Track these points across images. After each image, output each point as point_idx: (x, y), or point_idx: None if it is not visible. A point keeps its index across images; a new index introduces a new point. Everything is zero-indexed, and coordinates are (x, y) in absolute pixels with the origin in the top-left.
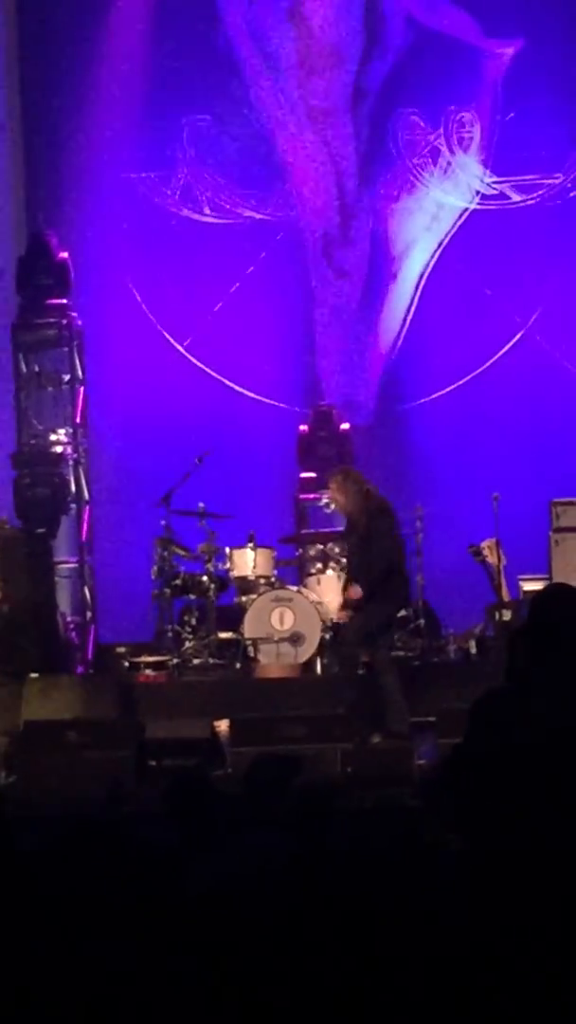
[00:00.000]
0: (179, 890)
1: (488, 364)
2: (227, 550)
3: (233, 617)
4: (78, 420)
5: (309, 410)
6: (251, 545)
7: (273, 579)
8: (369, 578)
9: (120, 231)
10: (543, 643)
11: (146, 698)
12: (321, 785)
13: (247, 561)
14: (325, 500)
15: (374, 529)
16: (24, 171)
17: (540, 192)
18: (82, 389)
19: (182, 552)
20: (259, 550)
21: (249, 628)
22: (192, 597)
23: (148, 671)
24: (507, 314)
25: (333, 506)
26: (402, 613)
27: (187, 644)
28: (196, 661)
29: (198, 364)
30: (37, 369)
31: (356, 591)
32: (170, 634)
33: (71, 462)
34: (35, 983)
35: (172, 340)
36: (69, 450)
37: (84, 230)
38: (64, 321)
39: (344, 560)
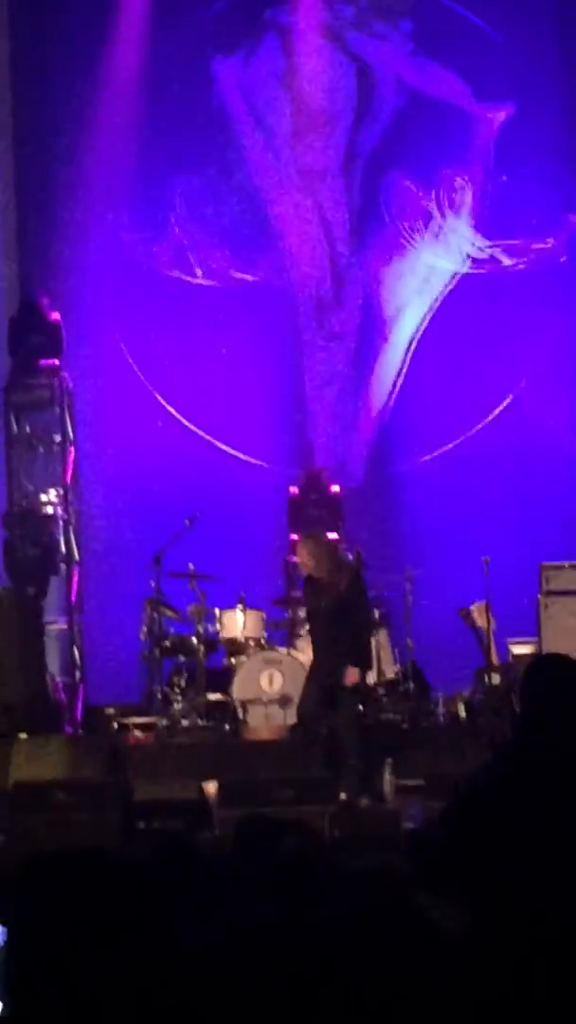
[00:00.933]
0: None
1: (478, 427)
2: (217, 611)
3: (222, 679)
4: (68, 481)
5: (300, 472)
6: (241, 607)
7: (263, 641)
8: (355, 641)
9: (112, 292)
10: (533, 714)
11: (134, 759)
12: (308, 848)
13: (237, 623)
14: (299, 563)
15: (356, 593)
16: (16, 231)
17: (531, 256)
18: (73, 450)
19: (172, 613)
20: (249, 612)
21: (238, 690)
22: (181, 658)
23: (137, 732)
24: (497, 378)
25: (305, 571)
26: (391, 675)
27: (176, 705)
28: (185, 723)
29: (189, 425)
30: (28, 429)
31: (353, 675)
32: (159, 695)
33: (61, 522)
34: None
35: (163, 401)
36: (59, 511)
37: (76, 291)
38: (56, 382)
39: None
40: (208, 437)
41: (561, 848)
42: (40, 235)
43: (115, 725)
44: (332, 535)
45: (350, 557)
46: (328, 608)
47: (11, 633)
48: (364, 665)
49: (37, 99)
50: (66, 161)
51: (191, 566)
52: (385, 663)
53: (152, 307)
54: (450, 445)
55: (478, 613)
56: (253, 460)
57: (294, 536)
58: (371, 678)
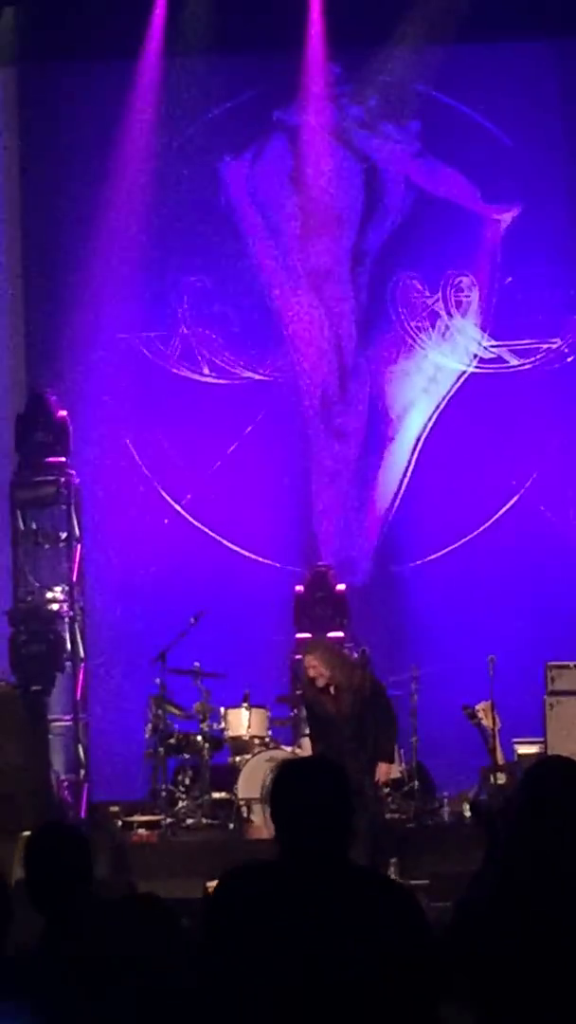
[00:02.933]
0: None
1: (484, 527)
2: (222, 710)
3: (227, 777)
4: (75, 578)
5: (305, 570)
6: (246, 705)
7: (267, 739)
8: (388, 737)
9: (119, 389)
10: (531, 818)
11: (138, 857)
12: None
13: (242, 721)
14: (313, 675)
15: (377, 690)
16: (24, 328)
17: (538, 357)
18: (79, 547)
19: (177, 711)
20: (254, 710)
21: (243, 788)
22: (186, 756)
23: (141, 830)
24: (503, 477)
25: (322, 681)
26: (395, 775)
27: (180, 804)
28: (189, 821)
29: (195, 523)
30: (35, 526)
31: (385, 771)
32: (164, 793)
33: (67, 619)
34: None
35: (169, 499)
36: (65, 607)
37: (83, 387)
38: (62, 479)
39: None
40: (214, 535)
41: (558, 959)
42: (47, 332)
43: (119, 823)
44: (337, 634)
45: (355, 656)
46: (352, 713)
47: (16, 730)
48: (392, 760)
49: (45, 198)
50: (74, 259)
51: (196, 664)
52: None
53: (159, 404)
54: (456, 544)
55: (484, 712)
56: (258, 558)
57: (300, 635)
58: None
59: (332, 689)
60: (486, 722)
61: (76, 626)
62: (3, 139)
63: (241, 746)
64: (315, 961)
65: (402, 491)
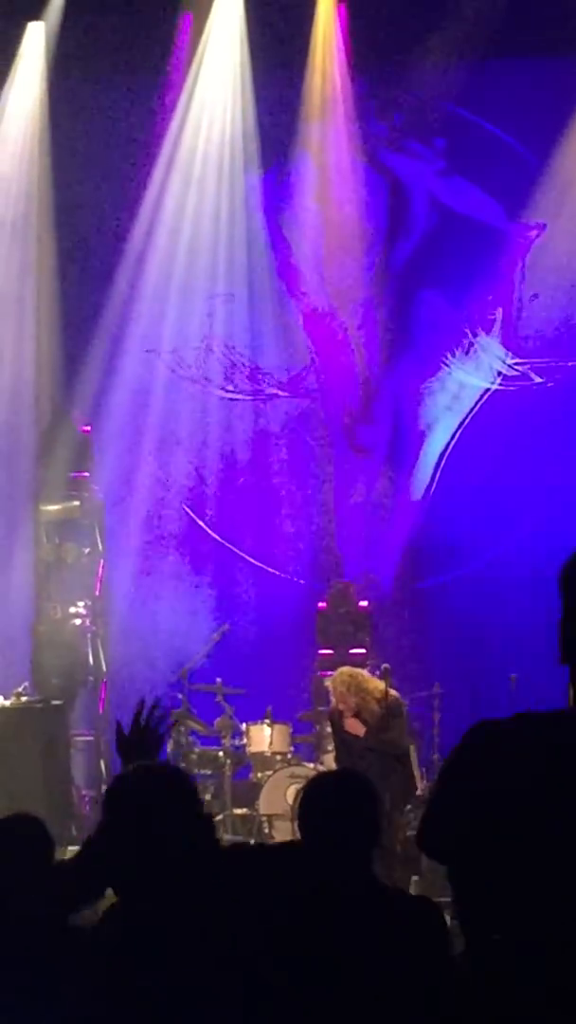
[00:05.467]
0: None
1: (507, 544)
2: (244, 726)
3: (249, 793)
4: (98, 593)
5: (328, 586)
6: (268, 721)
7: (289, 755)
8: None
9: (143, 406)
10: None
11: None
12: None
13: (264, 737)
14: (340, 705)
15: (398, 712)
16: (52, 344)
17: (562, 374)
18: (102, 562)
19: (199, 727)
20: (276, 726)
21: (265, 804)
22: (208, 772)
23: None
24: (527, 493)
25: (348, 713)
26: (418, 792)
27: None
28: None
29: (218, 539)
30: (58, 541)
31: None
32: None
33: (89, 635)
34: None
35: (192, 514)
36: (88, 623)
37: (108, 403)
38: (86, 495)
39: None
40: (237, 551)
41: None
42: (74, 348)
43: None
44: (359, 650)
45: (378, 673)
46: (376, 738)
47: (37, 745)
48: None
49: (77, 212)
50: (102, 274)
51: (218, 680)
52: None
53: (183, 421)
54: (478, 561)
55: None
56: (281, 574)
57: (322, 651)
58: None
59: (357, 715)
60: None
61: (99, 641)
62: (35, 153)
63: (263, 762)
64: (335, 972)
65: (425, 507)
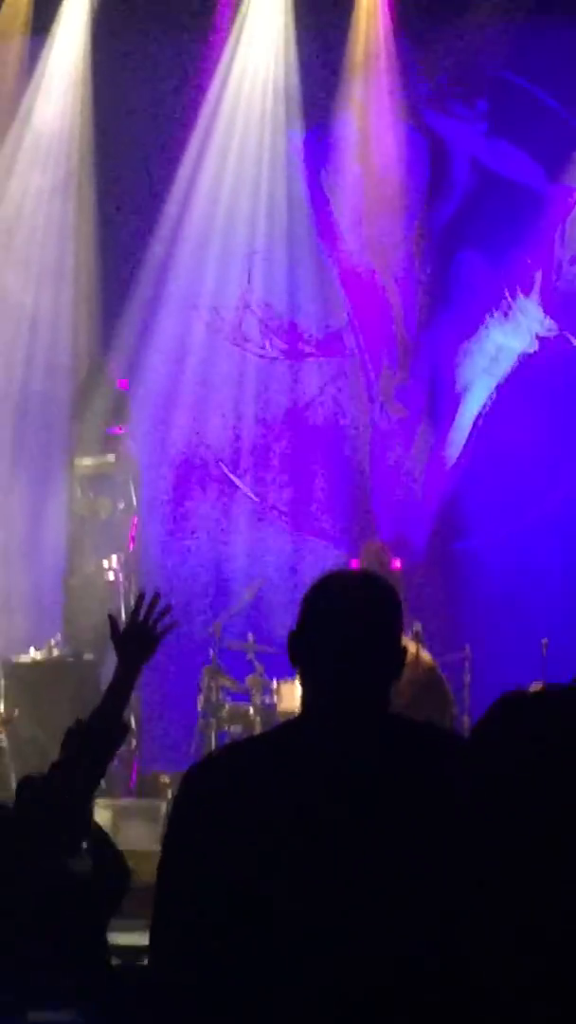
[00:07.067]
0: None
1: (540, 508)
2: (274, 683)
3: None
4: (131, 548)
5: (361, 546)
6: (298, 679)
7: None
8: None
9: (180, 362)
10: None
11: None
12: None
13: (294, 695)
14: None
15: (434, 674)
16: (88, 300)
17: None
18: (136, 518)
19: (230, 683)
20: None
21: None
22: (238, 729)
23: None
24: (564, 458)
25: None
26: None
27: None
28: None
29: (253, 497)
30: (92, 495)
31: None
32: None
33: (122, 589)
34: None
35: (228, 472)
36: (120, 577)
37: (146, 358)
38: (120, 449)
39: None
40: (272, 509)
41: None
42: (113, 305)
43: (170, 794)
44: None
45: (409, 635)
46: (409, 699)
47: (68, 698)
48: None
49: (119, 164)
50: (144, 235)
51: (251, 637)
52: None
53: (220, 379)
54: (513, 525)
55: None
56: (315, 533)
57: None
58: None
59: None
60: None
61: (131, 596)
62: (77, 111)
63: None
64: (347, 842)
65: (461, 469)
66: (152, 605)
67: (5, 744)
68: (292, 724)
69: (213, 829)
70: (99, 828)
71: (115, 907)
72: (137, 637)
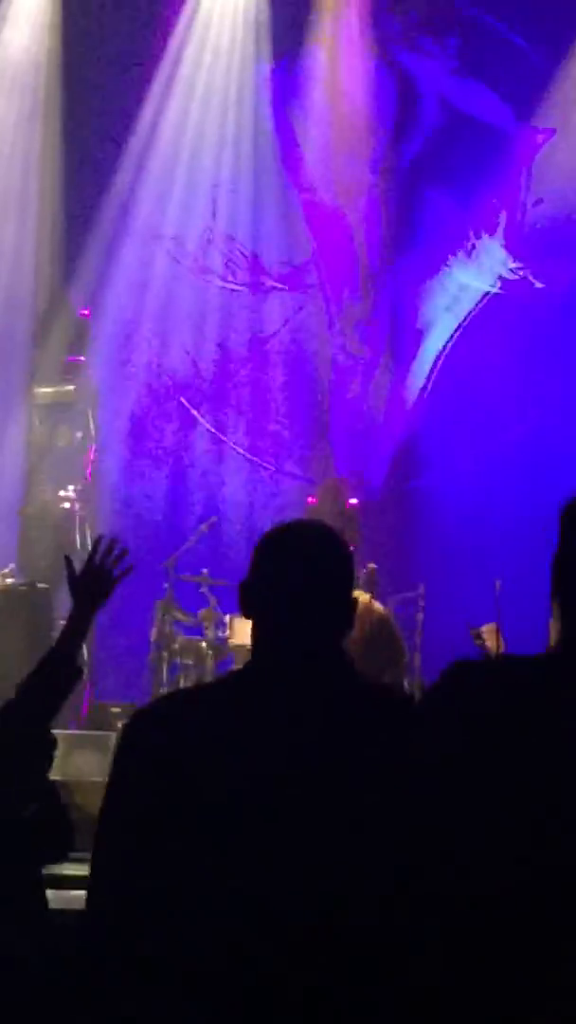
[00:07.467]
0: None
1: (499, 449)
2: (228, 617)
3: None
4: (89, 478)
5: (318, 482)
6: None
7: None
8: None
9: (142, 291)
10: None
11: None
12: None
13: (246, 629)
14: None
15: (385, 620)
16: (51, 230)
17: (563, 280)
18: (93, 448)
19: (183, 617)
20: None
21: None
22: (190, 662)
23: None
24: (523, 400)
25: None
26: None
27: None
28: None
29: (212, 429)
30: (51, 424)
31: None
32: None
33: (78, 519)
34: None
35: (187, 404)
36: (77, 507)
37: (108, 288)
38: (80, 379)
39: None
40: (230, 443)
41: None
42: (76, 234)
43: (119, 725)
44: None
45: (363, 570)
46: (360, 642)
47: (21, 626)
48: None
49: (85, 95)
50: (109, 164)
51: (205, 571)
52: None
53: (183, 309)
54: (470, 464)
55: (488, 634)
56: (273, 467)
57: None
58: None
59: None
60: (490, 643)
61: (87, 526)
62: (44, 39)
63: (245, 654)
64: (290, 800)
65: (419, 409)
66: (108, 549)
67: None
68: (240, 674)
69: (152, 784)
70: (49, 780)
71: (55, 859)
72: (93, 581)
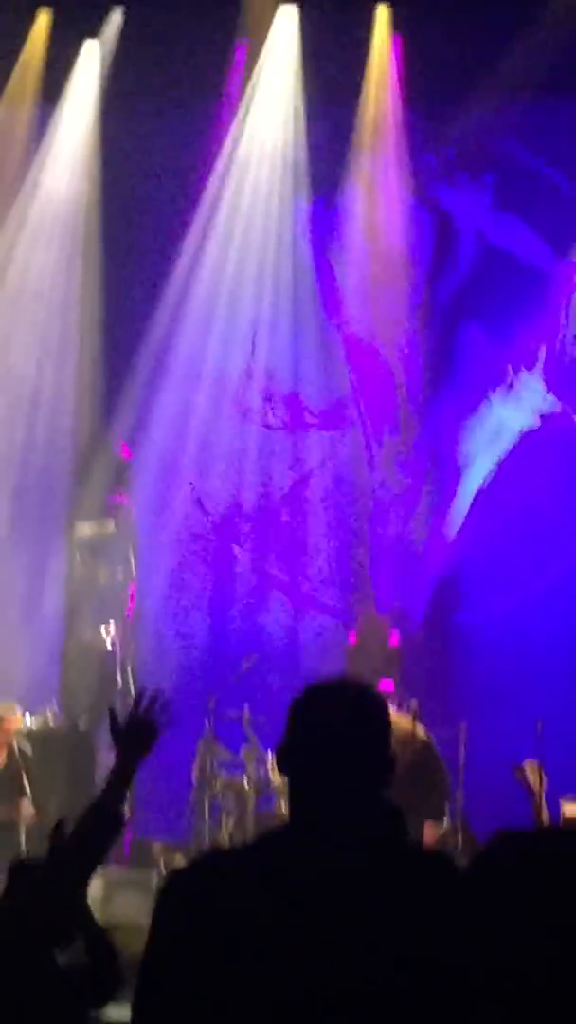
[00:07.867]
0: None
1: (538, 585)
2: (270, 755)
3: (272, 823)
4: (129, 616)
5: (359, 619)
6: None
7: None
8: (439, 799)
9: (184, 431)
10: None
11: None
12: None
13: None
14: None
15: (430, 748)
16: (92, 366)
17: None
18: (134, 585)
19: (225, 755)
20: None
21: None
22: (232, 801)
23: None
24: (563, 535)
25: None
26: (441, 831)
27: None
28: None
29: (251, 568)
30: (91, 562)
31: (433, 834)
32: (207, 837)
33: (119, 658)
34: None
35: (230, 544)
36: (117, 645)
37: (147, 426)
38: (121, 516)
39: None
40: (270, 580)
41: None
42: (118, 371)
43: (162, 863)
44: (387, 684)
45: (406, 707)
46: (405, 771)
47: (62, 766)
48: (442, 816)
49: (125, 227)
50: (150, 301)
51: (246, 708)
52: None
53: (222, 449)
54: (512, 600)
55: (531, 771)
56: (312, 606)
57: None
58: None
59: None
60: (532, 780)
61: (128, 665)
62: (86, 173)
63: (286, 793)
64: (322, 965)
65: (460, 544)
66: (152, 701)
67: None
68: (276, 835)
69: (189, 944)
70: (96, 923)
71: (103, 1004)
72: (136, 732)
